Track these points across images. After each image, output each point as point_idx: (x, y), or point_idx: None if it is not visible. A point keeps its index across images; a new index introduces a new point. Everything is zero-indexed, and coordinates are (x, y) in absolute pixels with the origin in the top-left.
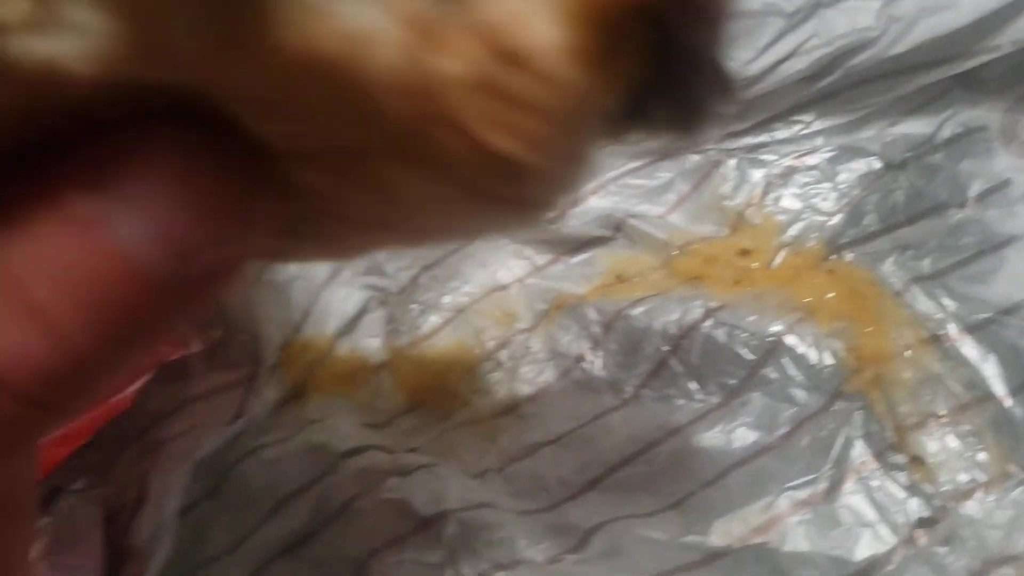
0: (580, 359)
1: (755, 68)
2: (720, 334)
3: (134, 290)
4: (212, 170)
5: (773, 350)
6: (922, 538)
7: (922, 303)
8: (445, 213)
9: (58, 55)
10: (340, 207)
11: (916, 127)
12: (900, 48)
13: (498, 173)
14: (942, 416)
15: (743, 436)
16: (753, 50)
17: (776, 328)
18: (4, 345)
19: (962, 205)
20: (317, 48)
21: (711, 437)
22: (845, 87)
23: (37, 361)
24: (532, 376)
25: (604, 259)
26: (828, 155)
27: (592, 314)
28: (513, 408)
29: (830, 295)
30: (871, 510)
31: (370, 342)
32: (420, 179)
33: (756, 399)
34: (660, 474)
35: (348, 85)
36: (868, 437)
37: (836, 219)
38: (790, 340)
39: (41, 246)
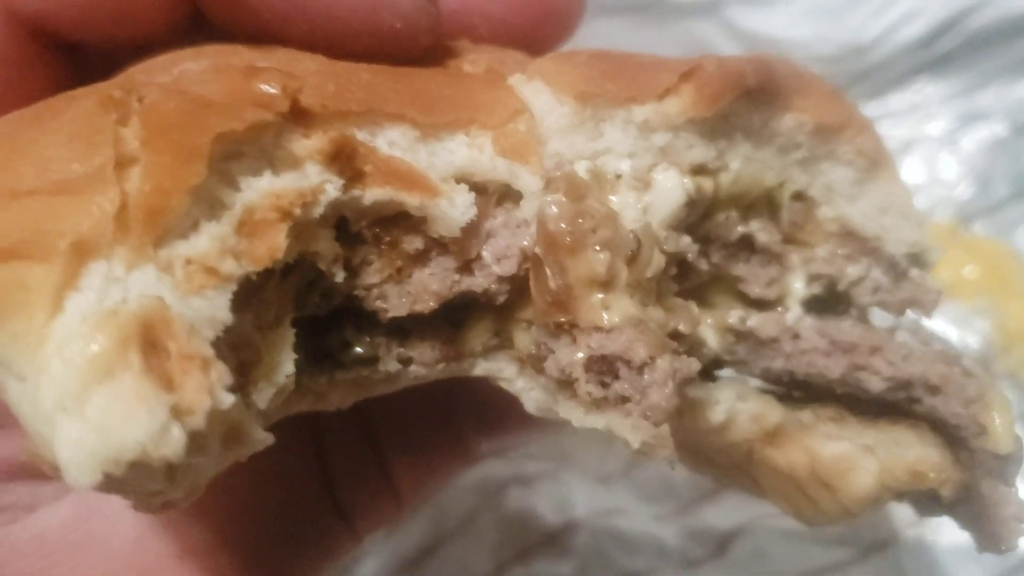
0: None
1: (866, 35)
2: None
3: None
4: None
5: (914, 331)
6: None
7: None
8: None
9: None
10: None
11: None
12: (1022, 5)
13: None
14: None
15: None
16: (863, 15)
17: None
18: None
19: None
20: None
21: None
22: (963, 50)
23: None
24: None
25: None
26: (948, 123)
27: None
28: None
29: (968, 270)
30: None
31: None
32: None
33: None
34: None
35: None
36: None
37: (962, 189)
38: (927, 322)
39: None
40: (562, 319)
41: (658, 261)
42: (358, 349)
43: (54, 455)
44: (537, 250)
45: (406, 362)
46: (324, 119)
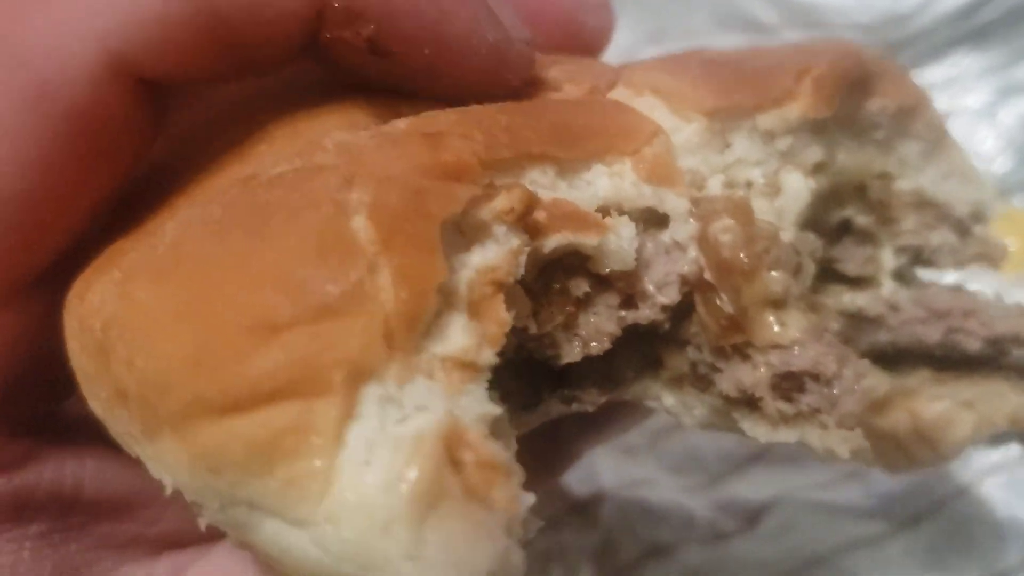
0: None
1: (906, 3)
2: None
3: None
4: None
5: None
6: None
7: None
8: None
9: None
10: None
11: None
12: None
13: None
14: None
15: None
16: None
17: (952, 279)
18: None
19: None
20: None
21: None
22: (1003, 21)
23: None
24: None
25: None
26: (986, 96)
27: None
28: None
29: (1008, 243)
30: None
31: None
32: None
33: None
34: None
35: None
36: None
37: (1000, 163)
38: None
39: None
40: (739, 339)
41: (808, 268)
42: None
43: None
44: (708, 276)
45: (569, 401)
46: (477, 172)
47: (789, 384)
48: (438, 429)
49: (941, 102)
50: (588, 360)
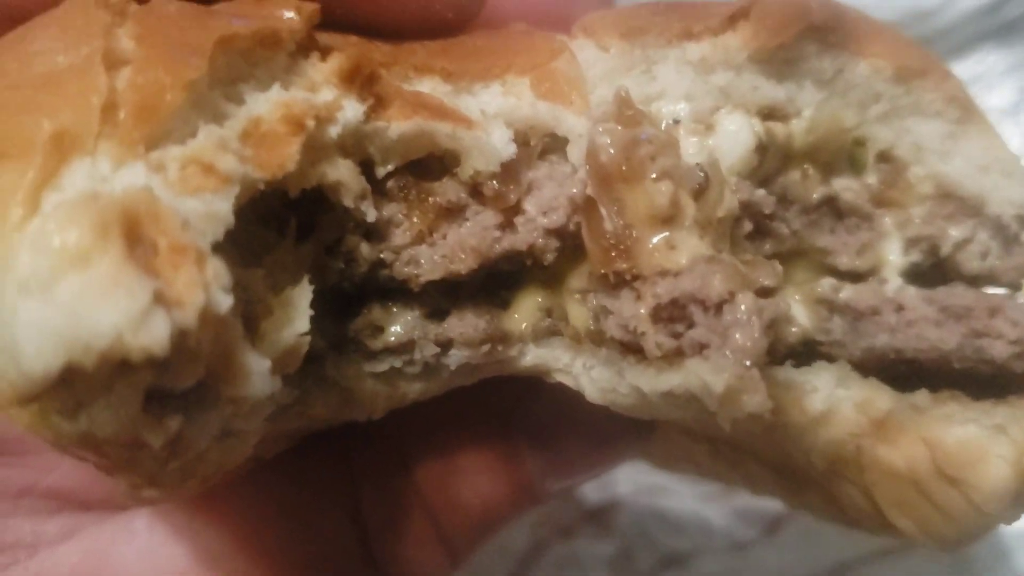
0: None
1: (927, 2)
2: None
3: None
4: None
5: None
6: None
7: None
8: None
9: None
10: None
11: None
12: None
13: (880, 529)
14: None
15: None
16: None
17: None
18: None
19: None
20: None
21: None
22: None
23: None
24: None
25: None
26: (1012, 94)
27: None
28: None
29: None
30: None
31: None
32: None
33: None
34: None
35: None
36: None
37: None
38: None
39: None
40: (623, 266)
41: (731, 201)
42: (391, 332)
43: (14, 344)
44: (589, 189)
45: (445, 345)
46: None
47: (673, 314)
48: (124, 199)
49: None
50: (472, 304)
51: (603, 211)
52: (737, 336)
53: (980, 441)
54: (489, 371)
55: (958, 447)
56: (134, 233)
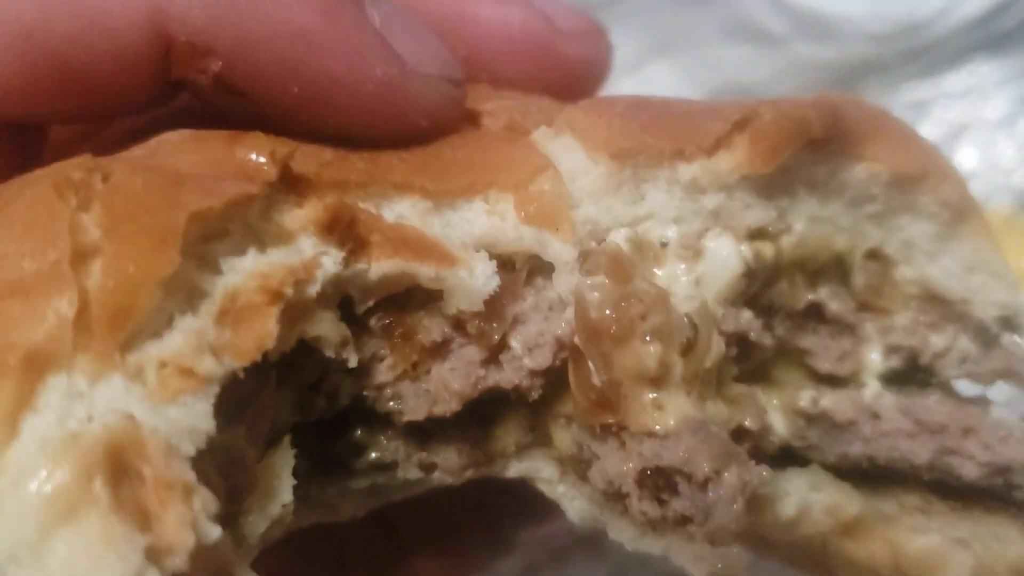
0: None
1: (921, 12)
2: None
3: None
4: None
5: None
6: None
7: None
8: None
9: None
10: None
11: None
12: None
13: None
14: None
15: None
16: None
17: None
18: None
19: None
20: None
21: None
22: (1022, 28)
23: None
24: None
25: None
26: (1006, 105)
27: None
28: None
29: None
30: None
31: None
32: None
33: None
34: None
35: None
36: None
37: (1020, 176)
38: None
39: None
40: (609, 420)
41: (718, 347)
42: (373, 455)
43: None
44: (577, 340)
45: (428, 468)
46: (320, 189)
47: (658, 482)
48: (106, 434)
49: (957, 112)
50: (456, 426)
51: (590, 365)
52: (721, 516)
53: (942, 551)
54: (474, 477)
55: (921, 554)
56: (119, 465)
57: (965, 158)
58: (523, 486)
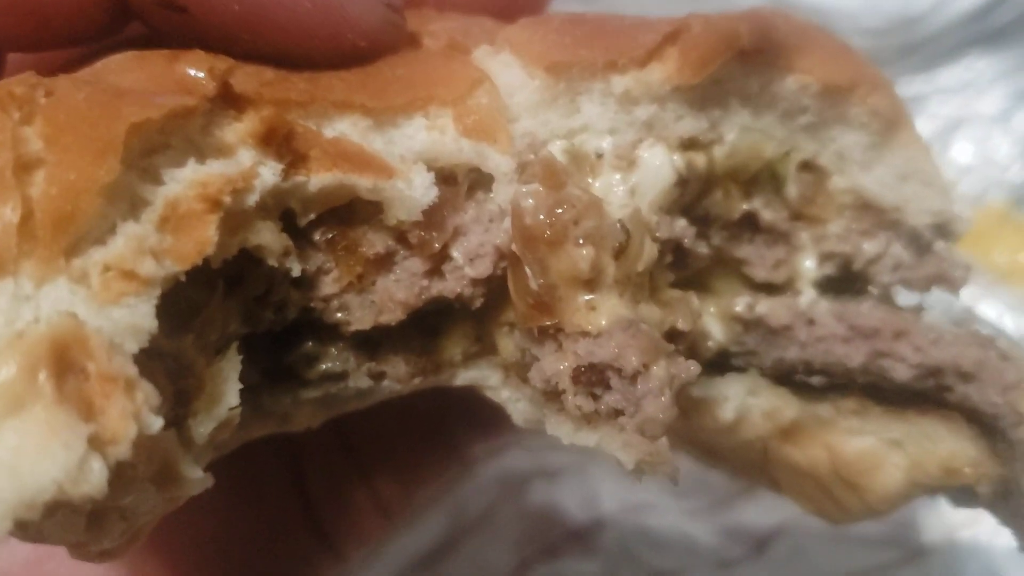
0: None
1: (917, 6)
2: None
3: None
4: None
5: (963, 321)
6: None
7: None
8: None
9: None
10: None
11: None
12: None
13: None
14: None
15: None
16: None
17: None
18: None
19: None
20: None
21: None
22: (1018, 23)
23: None
24: None
25: None
26: (1001, 100)
27: None
28: None
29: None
30: None
31: None
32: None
33: None
34: None
35: None
36: None
37: (1016, 171)
38: (982, 308)
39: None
40: (546, 323)
41: (650, 251)
42: (324, 365)
43: None
44: (514, 247)
45: (378, 377)
46: (260, 107)
47: (592, 378)
48: (50, 332)
49: (953, 107)
50: (404, 336)
51: (527, 270)
52: (649, 407)
53: (877, 452)
54: (423, 386)
55: (857, 455)
56: (64, 361)
57: (960, 153)
58: (475, 399)
